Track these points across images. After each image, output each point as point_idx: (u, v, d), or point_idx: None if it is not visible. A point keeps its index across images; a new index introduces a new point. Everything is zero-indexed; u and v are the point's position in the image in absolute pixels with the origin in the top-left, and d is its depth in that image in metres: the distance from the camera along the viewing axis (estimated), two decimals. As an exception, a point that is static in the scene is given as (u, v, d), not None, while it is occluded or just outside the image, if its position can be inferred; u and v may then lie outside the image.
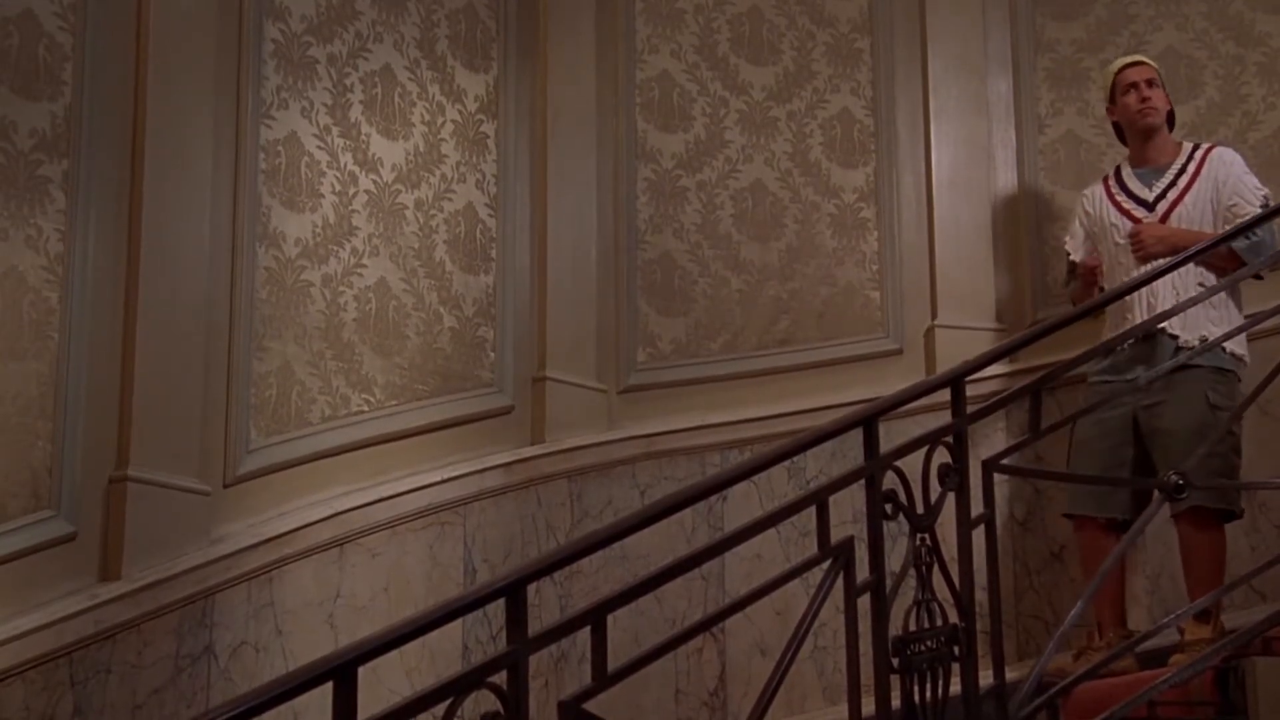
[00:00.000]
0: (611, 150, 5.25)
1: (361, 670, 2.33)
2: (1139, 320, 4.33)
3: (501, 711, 2.45)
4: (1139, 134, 4.69)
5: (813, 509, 3.03)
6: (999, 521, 3.58)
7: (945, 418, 3.38)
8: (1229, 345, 4.29)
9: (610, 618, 2.64)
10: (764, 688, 2.85)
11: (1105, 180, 4.76)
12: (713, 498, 4.72)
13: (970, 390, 3.47)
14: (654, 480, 4.92)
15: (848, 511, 4.03)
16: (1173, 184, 4.60)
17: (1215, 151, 4.63)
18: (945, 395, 3.43)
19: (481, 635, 4.44)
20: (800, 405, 5.01)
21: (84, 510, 3.74)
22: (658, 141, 5.30)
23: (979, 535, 3.32)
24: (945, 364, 4.98)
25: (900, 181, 5.31)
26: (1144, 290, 4.37)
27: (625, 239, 5.22)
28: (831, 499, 3.05)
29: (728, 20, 5.40)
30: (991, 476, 3.40)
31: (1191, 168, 4.60)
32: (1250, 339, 4.34)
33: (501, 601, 2.54)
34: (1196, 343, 4.29)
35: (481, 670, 2.48)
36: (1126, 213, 4.62)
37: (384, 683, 4.03)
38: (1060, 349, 4.38)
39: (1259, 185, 4.55)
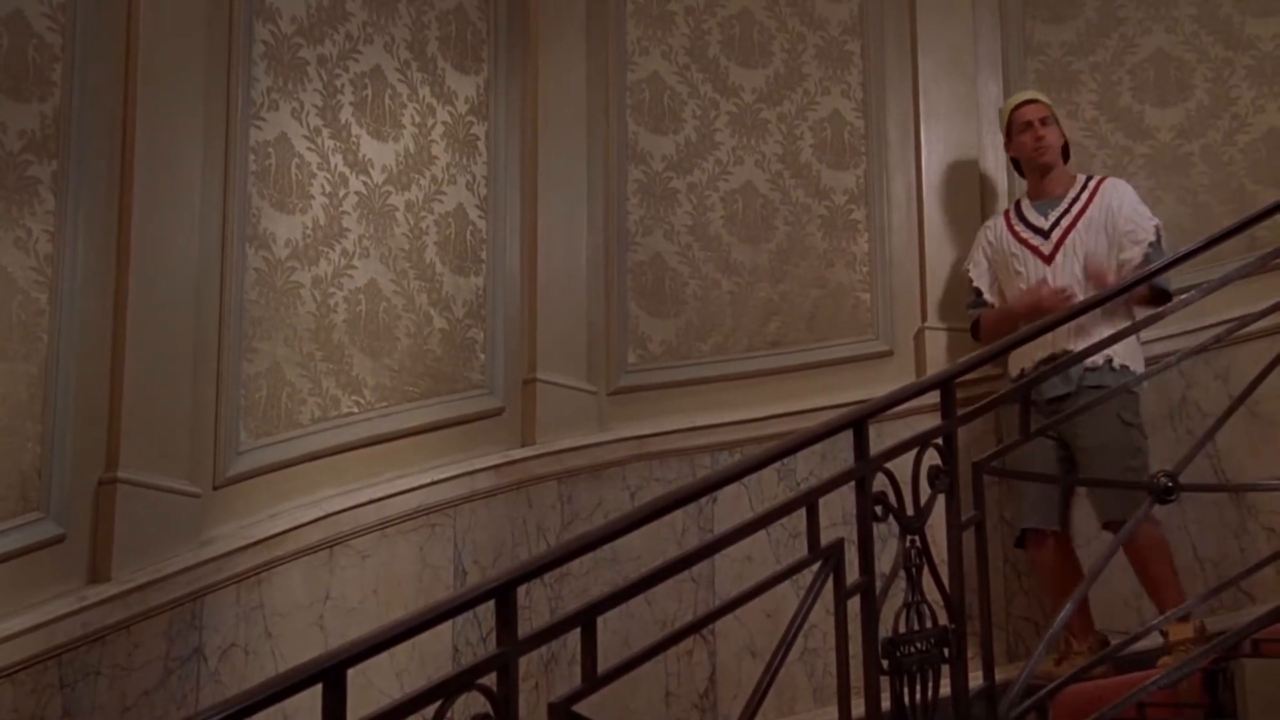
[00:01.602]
0: (602, 152, 5.25)
1: (351, 672, 2.33)
2: (1051, 345, 4.48)
3: (491, 713, 2.45)
4: (1035, 170, 4.91)
5: (803, 511, 3.04)
6: (989, 524, 3.58)
7: (936, 420, 3.38)
8: (1131, 365, 4.53)
9: (600, 620, 2.64)
10: (754, 689, 2.86)
11: (1006, 213, 4.96)
12: (703, 499, 4.71)
13: (961, 393, 3.47)
14: (644, 482, 4.92)
15: (838, 513, 4.04)
16: (1066, 212, 4.80)
17: (1108, 182, 4.85)
18: (935, 397, 3.43)
19: (471, 637, 4.44)
20: (791, 407, 5.01)
21: (73, 512, 3.73)
22: (648, 143, 5.30)
23: (969, 537, 3.33)
24: (935, 366, 5.00)
25: (890, 183, 5.32)
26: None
27: (616, 241, 5.22)
28: (821, 501, 3.06)
29: (718, 22, 5.40)
30: (982, 479, 3.41)
31: (1084, 197, 4.81)
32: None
33: (491, 603, 2.54)
34: (1101, 362, 4.46)
35: (472, 672, 2.48)
36: (1024, 241, 4.82)
37: (374, 685, 4.03)
38: (1050, 351, 4.39)
39: (1151, 215, 4.76)
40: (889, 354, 5.20)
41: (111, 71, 3.97)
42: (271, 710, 2.29)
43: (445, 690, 2.42)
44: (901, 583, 3.17)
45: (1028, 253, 4.78)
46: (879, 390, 4.38)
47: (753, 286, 5.26)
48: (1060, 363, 4.06)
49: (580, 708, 2.56)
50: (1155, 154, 5.23)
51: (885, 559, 3.26)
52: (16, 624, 3.51)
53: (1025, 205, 4.90)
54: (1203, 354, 4.42)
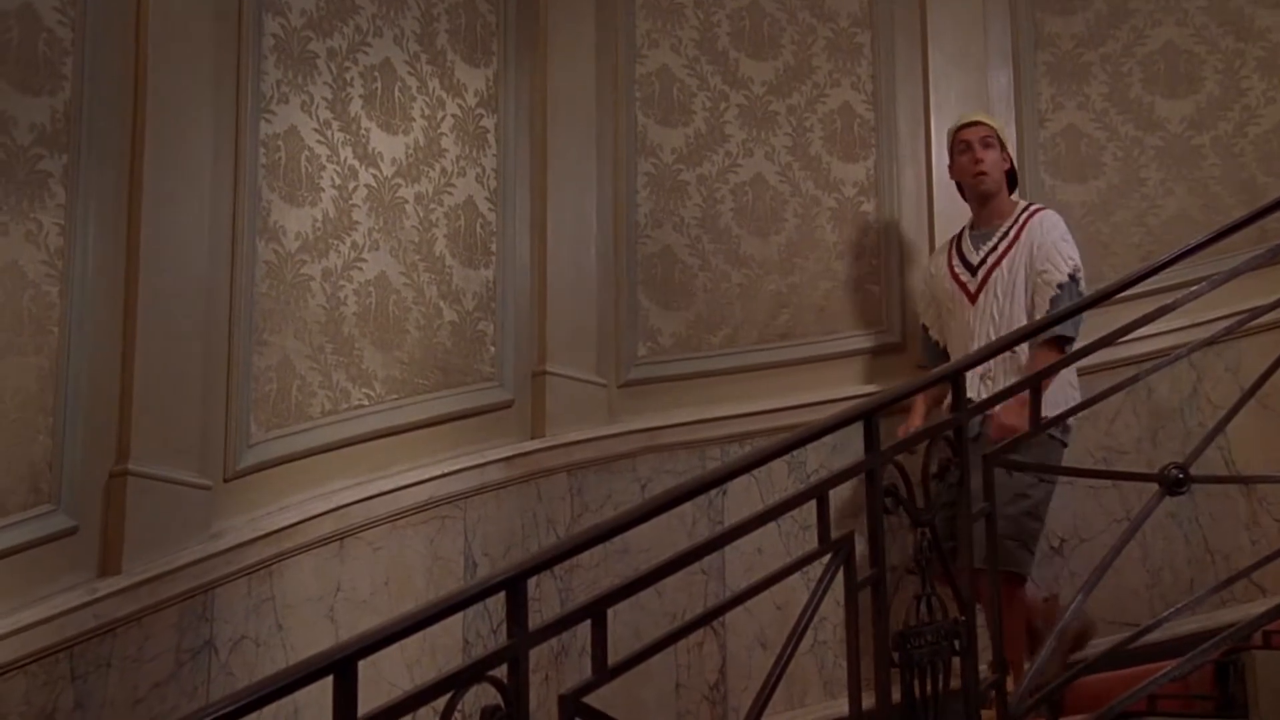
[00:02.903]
0: (611, 144, 5.25)
1: (362, 664, 2.33)
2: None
3: (502, 705, 2.45)
4: (975, 196, 4.76)
5: (813, 503, 3.03)
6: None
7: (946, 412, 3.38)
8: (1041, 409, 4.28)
9: (611, 611, 2.64)
10: (764, 682, 2.86)
11: (951, 242, 4.82)
12: (713, 492, 4.72)
13: (970, 385, 3.46)
14: (654, 474, 4.92)
15: (848, 506, 4.04)
16: (994, 248, 4.64)
17: (1038, 216, 4.65)
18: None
19: (482, 629, 4.44)
20: (801, 399, 5.01)
21: (84, 505, 3.74)
22: (658, 136, 5.30)
23: (979, 529, 3.32)
24: (945, 358, 4.99)
25: (900, 175, 5.31)
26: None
27: (625, 233, 5.22)
28: (832, 493, 3.05)
29: (728, 15, 5.39)
30: (993, 471, 3.40)
31: (1014, 232, 4.63)
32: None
33: (502, 595, 2.54)
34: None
35: (482, 664, 2.49)
36: (956, 278, 4.71)
37: (384, 677, 4.03)
38: (1060, 343, 4.37)
39: (1072, 255, 4.55)
40: (899, 346, 5.19)
41: (122, 65, 3.97)
42: (283, 702, 2.30)
43: (456, 682, 2.42)
44: (912, 575, 3.17)
45: (958, 290, 4.69)
46: (889, 383, 4.38)
47: (762, 279, 5.26)
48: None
49: (591, 699, 2.57)
50: (1166, 145, 5.22)
51: (895, 552, 3.26)
52: (28, 616, 3.52)
53: (966, 236, 4.78)
54: (1213, 346, 4.41)
